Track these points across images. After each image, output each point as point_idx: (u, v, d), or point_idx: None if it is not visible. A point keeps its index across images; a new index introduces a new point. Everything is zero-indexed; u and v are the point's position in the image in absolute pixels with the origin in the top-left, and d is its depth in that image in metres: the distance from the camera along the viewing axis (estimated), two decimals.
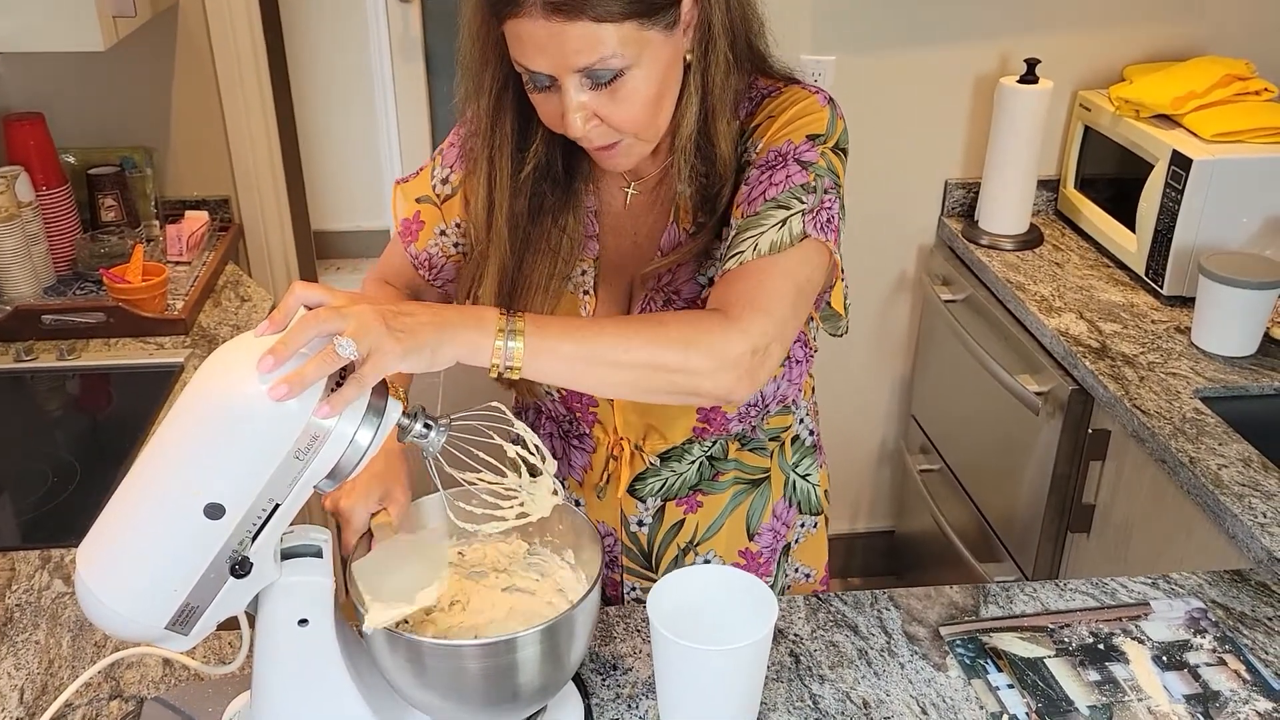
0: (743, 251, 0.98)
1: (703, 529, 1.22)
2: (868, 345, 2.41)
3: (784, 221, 0.99)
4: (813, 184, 1.01)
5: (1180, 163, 1.79)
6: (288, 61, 2.31)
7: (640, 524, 1.23)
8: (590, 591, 0.91)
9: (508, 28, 0.94)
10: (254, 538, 0.82)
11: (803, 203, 1.00)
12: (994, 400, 1.97)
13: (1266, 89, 1.90)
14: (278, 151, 2.09)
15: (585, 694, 1.04)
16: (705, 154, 1.04)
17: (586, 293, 1.12)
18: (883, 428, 2.53)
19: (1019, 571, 1.95)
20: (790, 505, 1.26)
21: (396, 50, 4.13)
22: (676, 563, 1.24)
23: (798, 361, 1.17)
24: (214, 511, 0.79)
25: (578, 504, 1.25)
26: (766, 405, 1.18)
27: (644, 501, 1.21)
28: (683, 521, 1.22)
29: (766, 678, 1.05)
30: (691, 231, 1.08)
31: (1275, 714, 1.03)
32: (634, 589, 1.26)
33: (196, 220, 1.98)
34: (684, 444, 1.18)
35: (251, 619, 0.90)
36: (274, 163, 2.10)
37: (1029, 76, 2.01)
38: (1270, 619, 1.15)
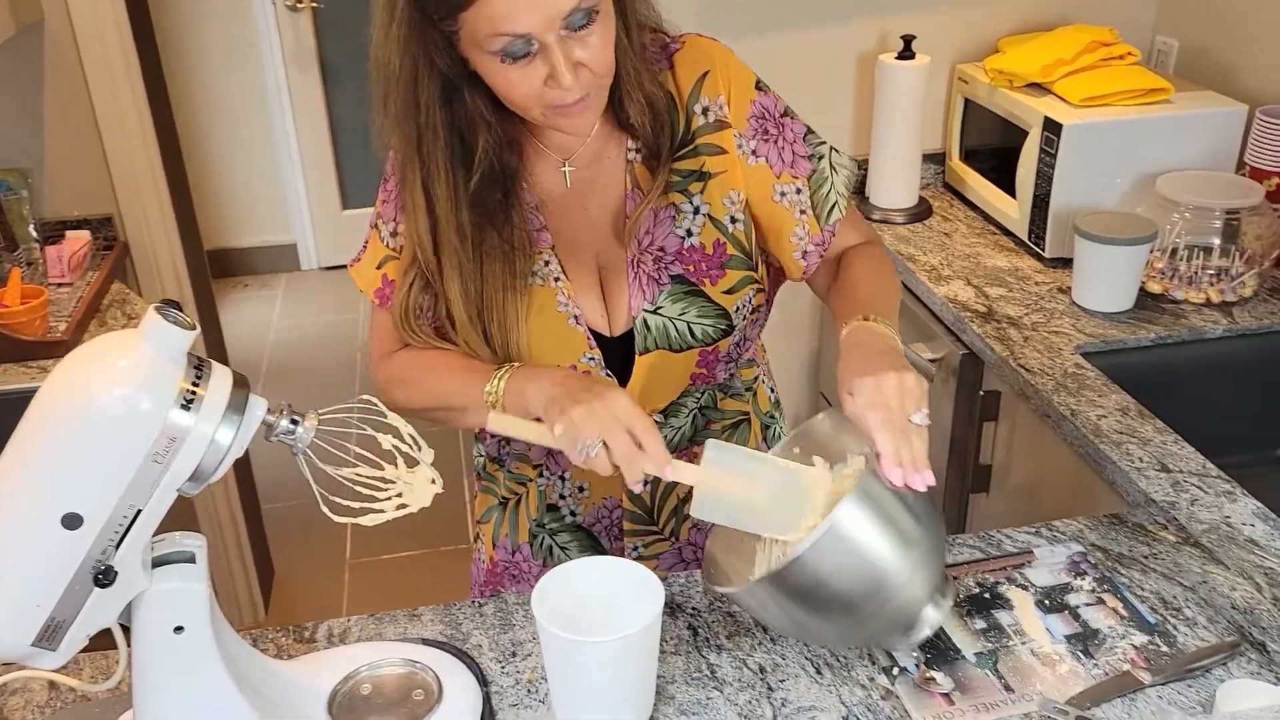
0: (836, 203, 1.19)
1: None
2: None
3: (833, 165, 1.19)
4: (807, 126, 1.20)
5: (1052, 128, 1.84)
6: (164, 74, 2.25)
7: (645, 484, 1.23)
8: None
9: (479, 8, 0.95)
10: (117, 546, 0.80)
11: (824, 143, 1.20)
12: None
13: (1130, 53, 1.96)
14: (159, 166, 2.05)
15: (484, 682, 1.04)
16: (642, 95, 1.11)
17: (558, 280, 1.15)
18: (794, 405, 2.56)
19: None
20: (768, 448, 1.30)
21: (290, 61, 4.07)
22: (676, 513, 1.26)
23: (765, 304, 1.25)
24: (72, 521, 0.78)
25: (582, 489, 1.27)
26: (748, 345, 1.25)
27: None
28: None
29: (665, 651, 1.07)
30: (651, 184, 1.13)
31: (1150, 646, 1.06)
32: (635, 548, 1.28)
33: (78, 240, 1.94)
34: (680, 397, 1.22)
35: (127, 630, 0.88)
36: (157, 178, 2.05)
37: (906, 53, 2.06)
38: (1146, 557, 1.19)
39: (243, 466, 2.54)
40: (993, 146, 2.12)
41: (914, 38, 2.06)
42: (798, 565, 0.91)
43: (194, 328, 0.79)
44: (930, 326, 1.89)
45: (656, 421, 1.20)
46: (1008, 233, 2.05)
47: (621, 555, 1.27)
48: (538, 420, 1.04)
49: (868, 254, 1.21)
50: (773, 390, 1.35)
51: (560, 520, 1.29)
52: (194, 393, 0.79)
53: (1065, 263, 1.88)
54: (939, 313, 1.86)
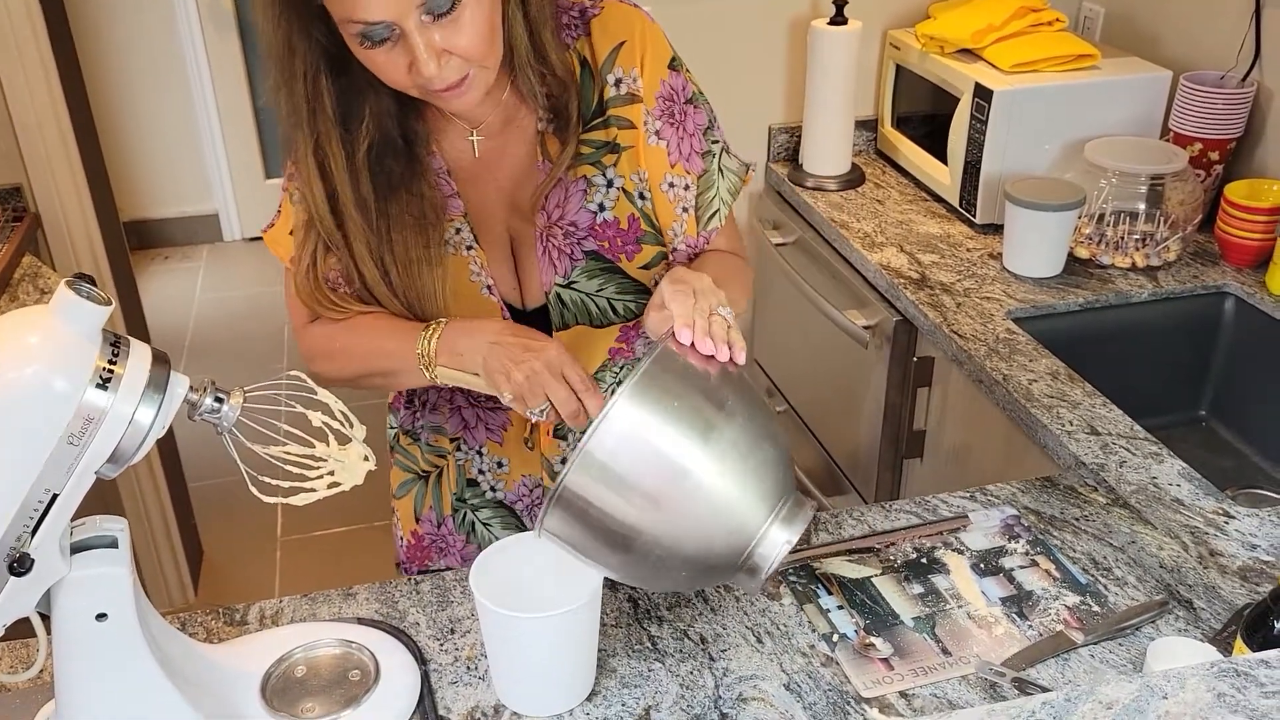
0: (718, 210, 1.18)
1: None
2: (738, 309, 2.43)
3: (720, 169, 1.17)
4: (710, 117, 1.17)
5: (983, 94, 1.85)
6: (72, 34, 2.15)
7: (564, 461, 1.24)
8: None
9: None
10: (33, 532, 0.77)
11: (718, 141, 1.17)
12: (828, 337, 2.02)
13: (1058, 19, 1.98)
14: (70, 133, 1.97)
15: (422, 660, 1.03)
16: (541, 69, 1.08)
17: (470, 248, 1.13)
18: None
19: (862, 502, 2.02)
20: None
21: (206, 21, 3.94)
22: None
23: None
24: None
25: (500, 465, 1.25)
26: None
27: (565, 439, 1.23)
28: None
29: (605, 624, 1.06)
30: (558, 155, 1.11)
31: (1082, 606, 1.08)
32: None
33: None
34: (598, 372, 1.20)
35: (46, 618, 0.85)
36: (68, 145, 1.97)
37: (838, 18, 2.05)
38: (1077, 519, 1.21)
39: (167, 443, 2.47)
40: (924, 113, 2.13)
41: (846, 2, 2.05)
42: (586, 459, 0.84)
43: (109, 303, 0.76)
44: (864, 293, 1.89)
45: None
46: (939, 199, 2.06)
47: None
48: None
49: (728, 258, 1.19)
50: None
51: (481, 496, 1.28)
52: (111, 371, 0.76)
53: (996, 229, 1.90)
54: (872, 280, 1.86)
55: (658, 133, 1.13)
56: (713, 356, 0.91)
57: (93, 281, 0.76)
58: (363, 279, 1.11)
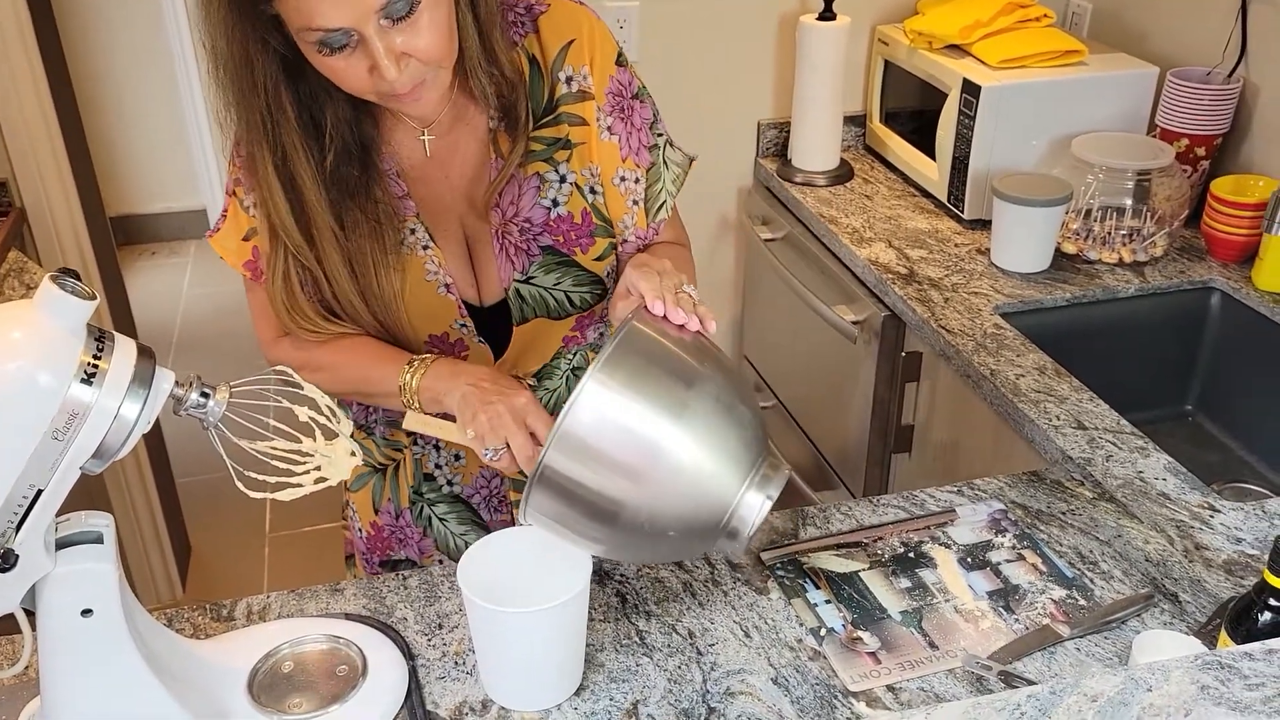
0: (665, 201, 1.20)
1: None
2: (697, 290, 2.43)
3: (665, 161, 1.19)
4: (655, 111, 1.19)
5: (971, 90, 1.86)
6: (58, 28, 2.14)
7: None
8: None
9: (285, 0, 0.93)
10: (17, 528, 0.76)
11: (662, 134, 1.19)
12: (816, 333, 2.02)
13: (1045, 15, 1.98)
14: (56, 127, 1.95)
15: (409, 656, 1.02)
16: (491, 70, 1.08)
17: (426, 248, 1.13)
18: None
19: (850, 497, 2.02)
20: None
21: (193, 14, 3.91)
22: None
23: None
24: None
25: (458, 458, 1.26)
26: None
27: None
28: None
29: (593, 619, 1.06)
30: (509, 153, 1.12)
31: (1069, 600, 1.09)
32: None
33: None
34: (554, 359, 1.21)
35: (31, 615, 0.84)
36: (54, 140, 1.96)
37: (827, 14, 2.05)
38: (1064, 513, 1.22)
39: (155, 439, 2.46)
40: (913, 109, 2.13)
41: None
42: (563, 438, 0.87)
43: (93, 297, 0.76)
44: (852, 288, 1.90)
45: (530, 385, 1.21)
46: (928, 195, 2.07)
47: (506, 526, 1.27)
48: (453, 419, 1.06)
49: (677, 249, 1.22)
50: None
51: (438, 490, 1.28)
52: (95, 366, 0.75)
53: (984, 224, 1.90)
54: (861, 275, 1.87)
55: (609, 128, 1.15)
56: (684, 326, 0.95)
57: (77, 276, 0.76)
58: (333, 289, 1.11)
